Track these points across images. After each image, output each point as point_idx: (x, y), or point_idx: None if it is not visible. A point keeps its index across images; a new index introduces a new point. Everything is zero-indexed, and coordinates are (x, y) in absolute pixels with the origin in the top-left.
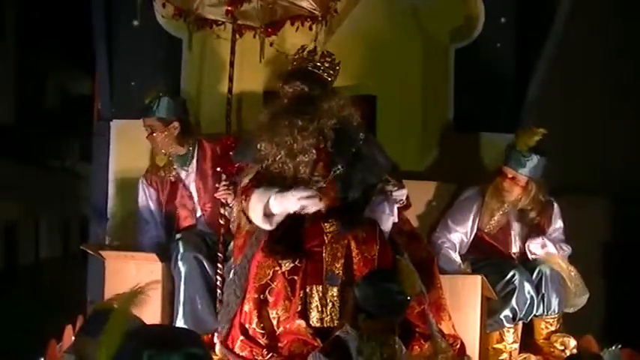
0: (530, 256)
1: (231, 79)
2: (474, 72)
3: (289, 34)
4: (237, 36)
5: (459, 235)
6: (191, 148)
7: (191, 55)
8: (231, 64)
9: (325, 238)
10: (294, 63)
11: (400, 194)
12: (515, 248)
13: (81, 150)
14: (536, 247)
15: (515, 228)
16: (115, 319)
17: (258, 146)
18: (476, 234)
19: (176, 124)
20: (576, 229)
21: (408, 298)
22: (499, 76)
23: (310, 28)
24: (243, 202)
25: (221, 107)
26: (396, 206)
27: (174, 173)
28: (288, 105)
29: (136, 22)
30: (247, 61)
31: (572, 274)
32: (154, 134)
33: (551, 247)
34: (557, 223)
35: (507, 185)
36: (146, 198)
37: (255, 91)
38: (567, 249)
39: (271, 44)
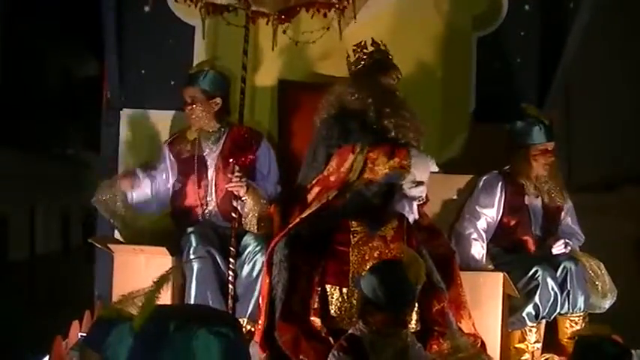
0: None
1: (244, 68)
2: (496, 61)
3: (304, 22)
4: (250, 23)
5: (487, 219)
6: (223, 129)
7: (203, 43)
8: (245, 52)
9: (352, 238)
10: (373, 55)
11: (417, 192)
12: (534, 229)
13: (85, 136)
14: (559, 249)
15: (534, 207)
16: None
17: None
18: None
19: (218, 99)
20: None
21: (415, 285)
22: (522, 66)
23: (325, 15)
24: (400, 161)
25: (234, 96)
26: (415, 204)
27: (202, 152)
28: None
29: (147, 8)
30: (260, 50)
31: (601, 271)
32: (195, 105)
33: (573, 244)
34: (569, 202)
35: (551, 159)
36: (166, 160)
37: (268, 81)
38: (581, 238)
39: (284, 32)
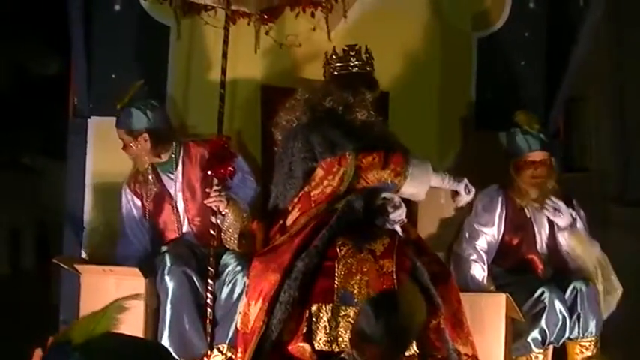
0: (560, 241)
1: (224, 72)
2: (498, 64)
3: (289, 22)
4: (230, 23)
5: (487, 238)
6: (174, 155)
7: (179, 45)
8: (224, 55)
9: (339, 251)
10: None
11: (397, 215)
12: (540, 247)
13: (43, 143)
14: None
15: (538, 222)
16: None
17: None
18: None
19: (145, 135)
20: None
21: (417, 325)
22: (527, 69)
23: (312, 15)
24: (394, 168)
25: (213, 103)
26: (397, 226)
27: (157, 182)
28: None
29: (117, 7)
30: (242, 52)
31: (604, 262)
32: (127, 147)
33: (579, 225)
34: (581, 212)
35: (539, 171)
36: (130, 207)
37: (251, 86)
38: (595, 244)
39: (267, 33)
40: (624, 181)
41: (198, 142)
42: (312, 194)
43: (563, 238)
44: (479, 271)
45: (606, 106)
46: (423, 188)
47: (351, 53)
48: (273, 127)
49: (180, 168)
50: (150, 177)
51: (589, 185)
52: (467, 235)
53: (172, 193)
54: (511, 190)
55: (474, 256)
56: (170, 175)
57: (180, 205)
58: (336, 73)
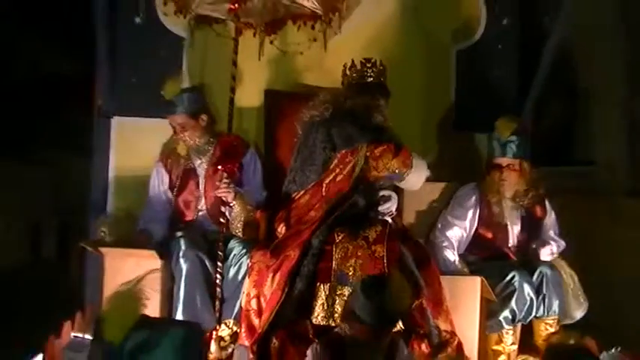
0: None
1: (234, 78)
2: (475, 73)
3: (291, 33)
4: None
5: (459, 230)
6: (212, 139)
7: (192, 54)
8: (234, 63)
9: (336, 236)
10: (380, 76)
11: (385, 208)
12: (512, 241)
13: (61, 138)
14: (545, 255)
15: (512, 220)
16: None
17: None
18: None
19: (204, 116)
20: None
21: (401, 310)
22: (500, 78)
23: (313, 27)
24: (404, 160)
25: (223, 106)
26: (387, 217)
27: (193, 164)
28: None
29: (138, 20)
30: (248, 60)
31: (574, 283)
32: (184, 130)
33: (556, 250)
34: (552, 214)
35: (505, 174)
36: (158, 180)
37: (255, 90)
38: (562, 245)
39: (271, 42)
40: (634, 173)
41: (227, 135)
42: (325, 182)
43: None
44: (450, 255)
45: (613, 96)
46: (421, 179)
47: (368, 65)
48: (296, 122)
49: (211, 151)
50: (187, 157)
51: (596, 178)
52: (439, 225)
53: (199, 172)
54: (485, 187)
55: (446, 243)
56: (201, 157)
57: (202, 181)
58: (354, 82)
